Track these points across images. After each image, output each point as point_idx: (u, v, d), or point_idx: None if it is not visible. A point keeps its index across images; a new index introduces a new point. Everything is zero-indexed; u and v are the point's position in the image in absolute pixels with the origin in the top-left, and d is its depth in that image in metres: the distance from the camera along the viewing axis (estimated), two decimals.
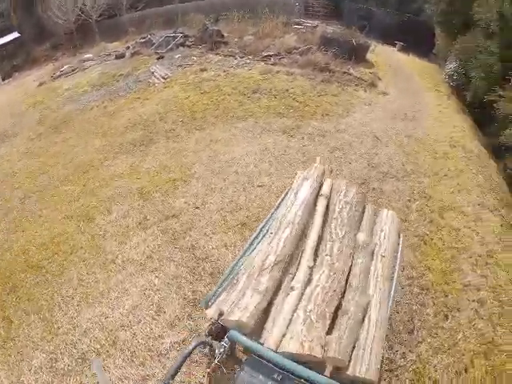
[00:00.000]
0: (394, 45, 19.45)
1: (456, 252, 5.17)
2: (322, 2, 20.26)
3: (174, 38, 15.52)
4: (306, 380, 2.39)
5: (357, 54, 13.50)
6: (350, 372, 2.50)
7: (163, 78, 11.73)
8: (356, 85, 11.42)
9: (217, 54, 13.53)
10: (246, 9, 17.54)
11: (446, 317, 4.28)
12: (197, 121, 8.81)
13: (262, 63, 12.46)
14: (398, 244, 3.57)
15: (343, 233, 3.20)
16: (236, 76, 11.09)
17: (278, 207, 3.79)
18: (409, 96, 11.72)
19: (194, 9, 19.30)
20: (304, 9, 19.86)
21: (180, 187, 6.38)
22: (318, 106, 9.40)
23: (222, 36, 15.05)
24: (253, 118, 8.68)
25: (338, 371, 2.56)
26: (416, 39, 17.91)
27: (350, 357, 2.57)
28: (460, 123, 10.04)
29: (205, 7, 19.44)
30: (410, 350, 3.92)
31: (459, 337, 4.07)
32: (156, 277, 4.73)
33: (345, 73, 12.08)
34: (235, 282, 3.01)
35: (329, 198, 3.60)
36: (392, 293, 3.16)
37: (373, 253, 3.24)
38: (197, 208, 5.89)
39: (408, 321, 4.19)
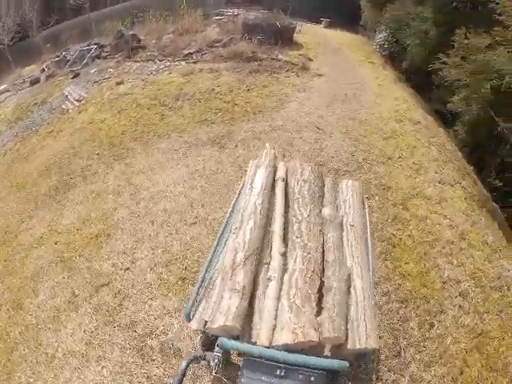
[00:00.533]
0: (319, 22, 20.31)
1: (428, 247, 5.18)
2: None
3: (89, 50, 15.14)
4: (309, 367, 2.50)
5: (283, 37, 13.91)
6: (350, 346, 2.68)
7: (77, 100, 11.17)
8: (287, 70, 11.59)
9: (134, 61, 13.23)
10: (164, 6, 17.85)
11: (432, 325, 4.33)
12: (115, 149, 8.10)
13: (184, 63, 12.34)
14: (364, 209, 3.93)
15: (308, 211, 3.42)
16: (155, 84, 10.80)
17: (237, 199, 3.95)
18: (344, 73, 12.07)
19: (109, 15, 19.09)
20: None
21: (104, 245, 5.65)
22: (248, 103, 9.24)
23: (139, 40, 14.95)
24: (177, 133, 8.11)
25: (339, 349, 2.73)
26: (341, 14, 18.98)
27: (347, 331, 2.74)
28: (401, 93, 10.58)
29: (120, 12, 19.31)
30: (401, 374, 3.89)
31: (448, 341, 4.17)
32: (103, 367, 4.20)
33: (273, 59, 12.27)
34: (211, 286, 3.09)
35: (286, 181, 3.84)
36: (370, 258, 3.43)
37: (341, 224, 3.49)
38: (127, 269, 5.15)
39: (393, 343, 4.16)
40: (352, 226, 3.50)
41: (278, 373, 2.46)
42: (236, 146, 7.40)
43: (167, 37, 15.18)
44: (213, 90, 9.81)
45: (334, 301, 2.83)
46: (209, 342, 3.10)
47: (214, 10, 18.65)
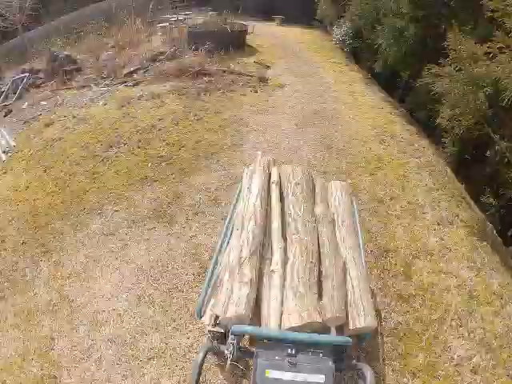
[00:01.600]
0: (273, 20, 22.81)
1: (438, 326, 5.05)
2: None
3: (23, 79, 14.73)
4: (317, 344, 3.39)
5: (234, 43, 14.87)
6: (350, 326, 3.67)
7: (4, 152, 10.10)
8: (242, 85, 11.85)
9: (68, 88, 13.25)
10: (105, 17, 18.48)
11: None
12: (41, 233, 6.96)
13: (122, 87, 12.26)
14: (353, 206, 5.02)
15: (302, 210, 4.45)
16: (88, 122, 10.04)
17: (235, 205, 4.99)
18: (308, 80, 12.66)
19: (44, 35, 19.24)
20: (171, 1, 22.16)
21: None
22: (198, 142, 8.70)
23: (75, 61, 15.09)
24: (112, 202, 7.19)
25: (339, 329, 3.69)
26: (295, 9, 21.39)
27: (346, 313, 3.73)
28: (375, 101, 11.29)
29: (56, 30, 19.44)
30: None
31: None
32: None
33: (225, 72, 12.64)
34: (218, 284, 4.03)
35: (280, 184, 4.86)
36: (362, 249, 4.52)
37: (333, 220, 4.59)
38: None
39: None
40: (343, 221, 4.59)
41: (289, 351, 3.30)
42: (187, 218, 6.66)
43: (107, 54, 15.75)
44: (154, 126, 9.40)
45: (332, 286, 3.82)
46: (218, 338, 3.85)
47: (159, 15, 19.92)
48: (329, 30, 19.55)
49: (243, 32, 16.27)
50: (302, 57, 15.53)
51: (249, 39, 16.65)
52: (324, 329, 3.63)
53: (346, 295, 3.86)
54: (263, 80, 12.27)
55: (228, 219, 4.91)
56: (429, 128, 9.87)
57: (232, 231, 4.58)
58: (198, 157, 8.28)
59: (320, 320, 3.50)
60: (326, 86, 12.19)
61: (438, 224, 6.72)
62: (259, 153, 5.64)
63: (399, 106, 11.50)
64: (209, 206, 6.92)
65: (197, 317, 3.99)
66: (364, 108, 10.79)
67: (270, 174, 5.06)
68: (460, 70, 6.94)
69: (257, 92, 11.49)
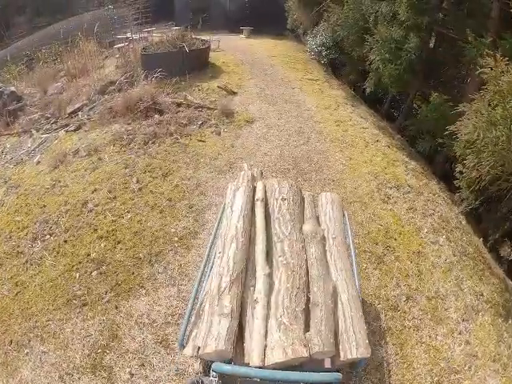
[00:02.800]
0: (241, 32, 21.77)
1: None
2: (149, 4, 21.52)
3: None
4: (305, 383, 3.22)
5: (195, 64, 13.71)
6: (342, 357, 3.42)
7: None
8: (201, 124, 10.32)
9: (10, 134, 11.93)
10: (61, 40, 16.90)
11: None
12: None
13: (63, 132, 10.92)
14: (345, 221, 4.78)
15: (289, 229, 4.21)
16: (17, 192, 8.66)
17: (218, 224, 4.72)
18: (284, 107, 11.54)
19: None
20: (133, 18, 20.39)
21: None
22: (140, 233, 6.95)
23: (20, 98, 13.82)
24: (39, 339, 5.60)
25: (332, 361, 3.45)
26: (265, 18, 20.58)
27: (337, 344, 3.48)
28: (369, 133, 10.37)
29: (9, 55, 18.20)
30: None
31: None
32: None
33: (180, 106, 11.11)
34: (201, 312, 3.75)
35: (265, 200, 4.61)
36: (354, 269, 4.24)
37: (323, 238, 4.31)
38: None
39: None
40: (334, 238, 4.32)
41: None
42: (131, 373, 5.07)
43: (55, 85, 14.63)
44: (85, 203, 7.78)
45: (320, 316, 3.55)
46: (207, 368, 3.71)
47: (121, 33, 18.86)
48: (302, 40, 19.21)
49: (205, 50, 15.06)
50: (274, 75, 14.51)
51: (213, 57, 15.51)
52: (317, 360, 3.42)
53: (337, 323, 3.62)
54: (228, 113, 10.81)
55: (211, 240, 4.66)
56: (432, 160, 9.35)
57: (215, 254, 4.31)
58: (138, 260, 6.48)
59: (306, 355, 3.27)
60: (306, 115, 11.09)
61: (463, 320, 5.90)
62: (245, 165, 5.41)
63: (393, 131, 11.17)
64: (157, 351, 5.22)
65: (179, 347, 3.75)
66: (357, 145, 9.67)
67: (254, 190, 4.82)
68: (498, 107, 5.59)
69: (219, 134, 9.98)
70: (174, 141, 9.60)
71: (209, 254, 4.45)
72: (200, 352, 3.44)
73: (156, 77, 12.43)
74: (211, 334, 3.41)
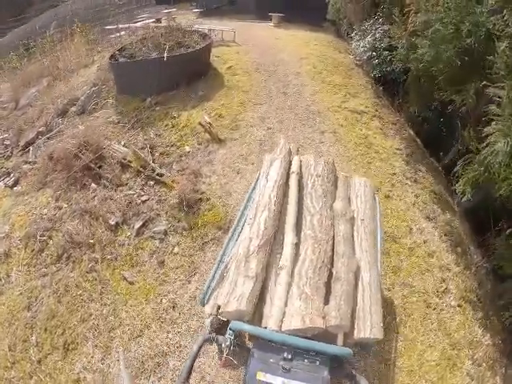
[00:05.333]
0: (269, 18, 18.43)
1: None
2: None
3: None
4: (315, 352, 3.42)
5: (184, 73, 10.78)
6: (355, 336, 3.65)
7: None
8: (142, 227, 7.35)
9: None
10: (56, 28, 15.64)
11: None
12: None
13: (2, 184, 9.57)
14: (375, 206, 5.00)
15: (320, 205, 4.44)
16: None
17: (251, 193, 5.03)
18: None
19: None
20: None
21: None
22: None
23: None
24: None
25: (345, 337, 3.66)
26: (301, 3, 17.36)
27: (353, 321, 3.70)
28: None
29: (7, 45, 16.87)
30: None
31: None
32: None
33: (127, 169, 8.49)
34: (225, 274, 4.07)
35: (300, 175, 4.86)
36: (379, 253, 4.47)
37: (352, 218, 4.53)
38: None
39: None
40: (362, 220, 4.55)
41: (285, 355, 3.38)
42: None
43: (30, 93, 12.84)
44: None
45: (341, 291, 3.79)
46: (218, 328, 4.10)
47: (127, 19, 16.98)
48: (345, 36, 15.64)
49: (201, 52, 11.38)
50: (298, 97, 10.61)
51: (220, 56, 12.58)
52: (330, 334, 3.66)
53: (355, 302, 3.86)
54: (191, 203, 7.45)
55: (243, 207, 4.97)
56: None
57: (245, 220, 4.62)
58: None
59: (323, 326, 3.52)
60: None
61: None
62: (282, 139, 5.59)
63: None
64: None
65: (199, 304, 4.12)
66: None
67: (290, 163, 5.09)
68: None
69: (163, 263, 6.78)
70: (90, 267, 6.84)
71: (239, 221, 4.74)
72: (221, 309, 3.75)
73: (126, 92, 10.70)
74: (234, 293, 3.70)
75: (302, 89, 11.07)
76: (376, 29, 11.55)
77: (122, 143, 9.25)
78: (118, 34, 14.84)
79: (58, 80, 12.78)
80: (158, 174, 8.20)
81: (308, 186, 4.80)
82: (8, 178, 9.76)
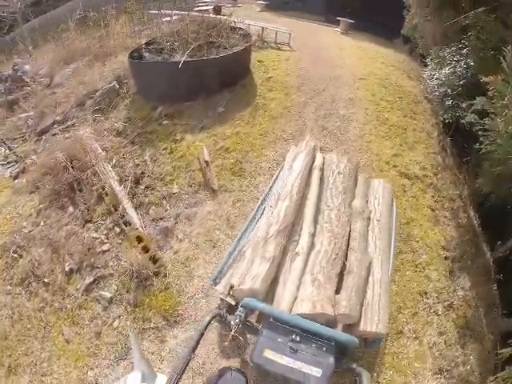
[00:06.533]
0: (337, 23, 16.61)
1: None
2: None
3: None
4: (323, 337, 3.58)
5: (211, 81, 9.41)
6: (361, 328, 3.79)
7: None
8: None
9: None
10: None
11: None
12: None
13: (9, 173, 9.81)
14: (392, 208, 5.19)
15: (339, 201, 4.67)
16: None
17: (274, 182, 5.26)
18: None
19: (45, 24, 17.26)
20: None
21: None
22: None
23: (24, 84, 12.83)
24: None
25: (349, 328, 3.85)
26: (376, 11, 15.76)
27: (360, 313, 3.86)
28: None
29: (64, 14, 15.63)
30: None
31: None
32: None
33: (101, 200, 7.80)
34: (240, 256, 4.31)
35: (322, 170, 5.09)
36: (391, 253, 4.66)
37: (369, 218, 4.73)
38: None
39: None
40: (378, 220, 4.76)
41: (293, 337, 3.56)
42: None
43: (65, 72, 12.65)
44: None
45: (353, 283, 3.98)
46: (226, 309, 4.25)
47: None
48: (417, 57, 13.31)
49: (237, 56, 9.82)
50: (338, 136, 8.56)
51: (266, 62, 10.99)
52: (334, 322, 3.87)
53: (365, 296, 4.05)
54: (142, 280, 6.56)
55: (263, 196, 5.23)
56: None
57: (264, 209, 4.87)
58: None
59: (332, 314, 3.68)
60: None
61: None
62: (308, 135, 5.85)
63: None
64: None
65: (211, 283, 4.30)
66: None
67: (314, 158, 5.34)
68: None
69: (100, 334, 6.30)
70: (41, 307, 6.91)
71: (258, 209, 4.99)
72: (234, 287, 3.95)
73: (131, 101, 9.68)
74: (250, 273, 3.89)
75: (348, 125, 8.71)
76: (457, 60, 9.17)
77: (114, 161, 8.47)
78: (169, 19, 13.13)
79: (96, 61, 12.18)
80: (124, 223, 7.20)
81: (329, 182, 5.05)
82: (14, 168, 9.84)
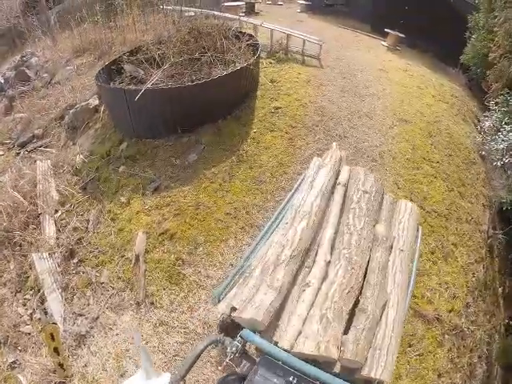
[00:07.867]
0: (386, 35, 14.98)
1: None
2: None
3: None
4: (321, 382, 3.29)
5: (206, 109, 7.88)
6: (365, 373, 3.53)
7: None
8: None
9: None
10: None
11: None
12: None
13: None
14: (417, 237, 4.82)
15: (361, 224, 4.25)
16: None
17: (293, 194, 4.87)
18: None
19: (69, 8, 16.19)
20: None
21: None
22: None
23: (27, 79, 12.85)
24: None
25: (351, 370, 3.61)
26: (433, 28, 13.49)
27: (366, 357, 3.58)
28: None
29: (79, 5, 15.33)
30: None
31: None
32: None
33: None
34: (247, 275, 3.93)
35: (346, 186, 4.68)
36: (410, 290, 4.31)
37: (391, 247, 4.36)
38: None
39: None
40: (401, 250, 4.39)
41: (290, 379, 3.33)
42: None
43: (70, 68, 12.27)
44: None
45: (364, 324, 3.69)
46: (226, 328, 4.04)
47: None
48: (478, 93, 11.45)
49: (232, 78, 8.23)
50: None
51: (284, 79, 9.38)
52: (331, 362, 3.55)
53: (375, 337, 3.79)
54: None
55: (281, 207, 4.90)
56: None
57: (279, 224, 4.52)
58: None
59: (336, 357, 3.44)
60: None
61: None
62: (334, 144, 5.41)
63: None
64: None
65: (213, 301, 4.09)
66: None
67: (338, 172, 4.93)
68: None
69: None
70: None
71: (273, 222, 4.65)
72: (235, 314, 3.64)
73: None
74: (253, 301, 3.59)
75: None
76: None
77: (59, 213, 7.90)
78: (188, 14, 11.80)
79: (99, 60, 11.42)
80: (45, 310, 6.84)
81: (353, 201, 4.66)
82: None
